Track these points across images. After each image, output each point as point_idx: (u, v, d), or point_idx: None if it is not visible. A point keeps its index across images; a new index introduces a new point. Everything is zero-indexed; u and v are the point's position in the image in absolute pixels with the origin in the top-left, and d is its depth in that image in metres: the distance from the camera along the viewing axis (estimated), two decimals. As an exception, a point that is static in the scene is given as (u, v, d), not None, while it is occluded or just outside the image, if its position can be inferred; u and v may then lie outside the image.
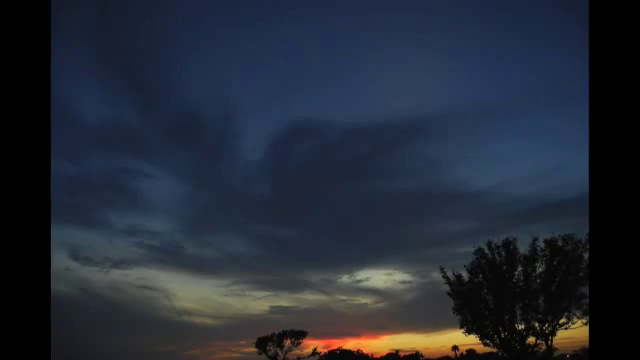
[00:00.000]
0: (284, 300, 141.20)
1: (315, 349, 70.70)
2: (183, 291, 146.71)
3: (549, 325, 29.84)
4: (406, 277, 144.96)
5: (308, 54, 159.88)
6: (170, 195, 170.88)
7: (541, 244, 30.40)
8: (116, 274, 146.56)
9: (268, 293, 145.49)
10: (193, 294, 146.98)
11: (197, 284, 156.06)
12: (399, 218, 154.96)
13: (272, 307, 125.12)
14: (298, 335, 65.95)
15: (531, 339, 30.28)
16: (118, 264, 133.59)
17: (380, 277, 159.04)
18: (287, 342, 65.01)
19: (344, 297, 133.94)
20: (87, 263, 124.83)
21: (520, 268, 30.57)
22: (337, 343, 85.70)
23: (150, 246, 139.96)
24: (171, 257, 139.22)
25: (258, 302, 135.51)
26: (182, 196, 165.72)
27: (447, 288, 33.15)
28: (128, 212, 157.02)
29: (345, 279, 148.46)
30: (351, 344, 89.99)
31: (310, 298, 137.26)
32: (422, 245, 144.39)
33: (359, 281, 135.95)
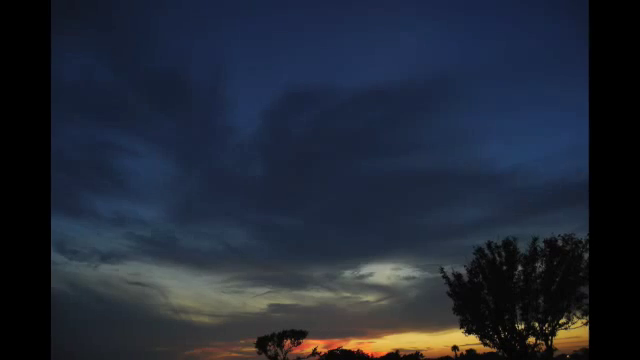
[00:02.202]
0: (284, 297, 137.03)
1: (315, 349, 70.71)
2: (179, 287, 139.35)
3: (549, 325, 29.80)
4: (414, 272, 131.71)
5: (307, 10, 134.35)
6: (157, 176, 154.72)
7: (541, 244, 30.43)
8: (106, 269, 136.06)
9: (267, 289, 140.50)
10: (189, 291, 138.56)
11: (193, 280, 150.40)
12: (411, 203, 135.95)
13: (272, 305, 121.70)
14: (298, 335, 65.90)
15: (531, 339, 30.26)
16: (108, 258, 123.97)
17: (386, 272, 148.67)
18: (287, 342, 64.98)
19: (347, 294, 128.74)
20: (75, 257, 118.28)
21: (520, 268, 30.55)
22: (339, 343, 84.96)
23: (141, 238, 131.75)
24: (164, 250, 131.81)
25: (257, 299, 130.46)
26: (170, 177, 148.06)
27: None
28: (114, 197, 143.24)
29: (349, 274, 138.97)
30: (354, 344, 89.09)
31: (312, 295, 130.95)
32: (435, 236, 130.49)
33: (363, 276, 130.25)
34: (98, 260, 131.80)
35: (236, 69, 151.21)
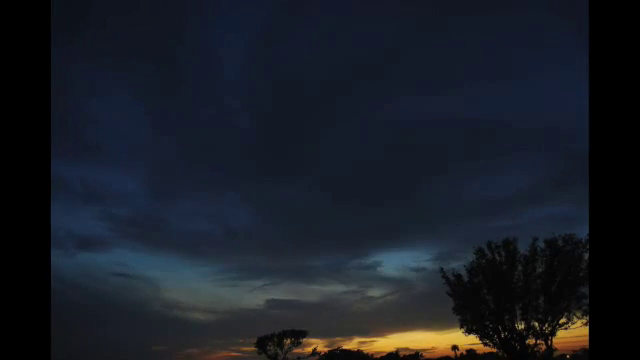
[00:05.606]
0: (284, 292, 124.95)
1: (315, 349, 70.67)
2: (170, 280, 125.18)
3: (549, 325, 29.84)
4: (428, 263, 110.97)
5: None
6: (127, 128, 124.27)
7: (541, 244, 30.45)
8: (86, 257, 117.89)
9: (265, 282, 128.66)
10: (182, 283, 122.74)
11: (185, 270, 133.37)
12: (440, 168, 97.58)
13: (270, 301, 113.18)
14: (298, 335, 65.90)
15: (531, 339, 30.30)
16: (85, 244, 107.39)
17: (396, 262, 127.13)
18: (287, 342, 65.00)
19: (352, 288, 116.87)
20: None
21: (520, 268, 30.57)
22: (341, 341, 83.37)
23: (121, 218, 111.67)
24: (151, 234, 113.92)
25: (255, 294, 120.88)
26: (144, 130, 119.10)
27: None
28: (78, 159, 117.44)
29: (355, 264, 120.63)
30: (356, 342, 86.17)
31: (313, 289, 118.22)
32: (465, 213, 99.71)
33: (370, 267, 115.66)
34: (75, 246, 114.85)
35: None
